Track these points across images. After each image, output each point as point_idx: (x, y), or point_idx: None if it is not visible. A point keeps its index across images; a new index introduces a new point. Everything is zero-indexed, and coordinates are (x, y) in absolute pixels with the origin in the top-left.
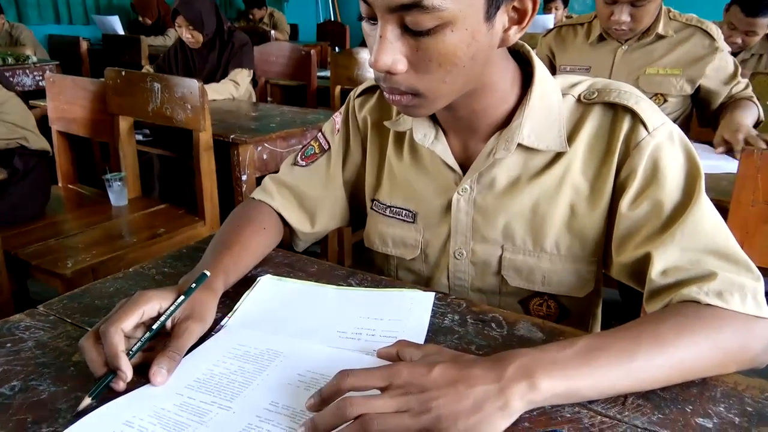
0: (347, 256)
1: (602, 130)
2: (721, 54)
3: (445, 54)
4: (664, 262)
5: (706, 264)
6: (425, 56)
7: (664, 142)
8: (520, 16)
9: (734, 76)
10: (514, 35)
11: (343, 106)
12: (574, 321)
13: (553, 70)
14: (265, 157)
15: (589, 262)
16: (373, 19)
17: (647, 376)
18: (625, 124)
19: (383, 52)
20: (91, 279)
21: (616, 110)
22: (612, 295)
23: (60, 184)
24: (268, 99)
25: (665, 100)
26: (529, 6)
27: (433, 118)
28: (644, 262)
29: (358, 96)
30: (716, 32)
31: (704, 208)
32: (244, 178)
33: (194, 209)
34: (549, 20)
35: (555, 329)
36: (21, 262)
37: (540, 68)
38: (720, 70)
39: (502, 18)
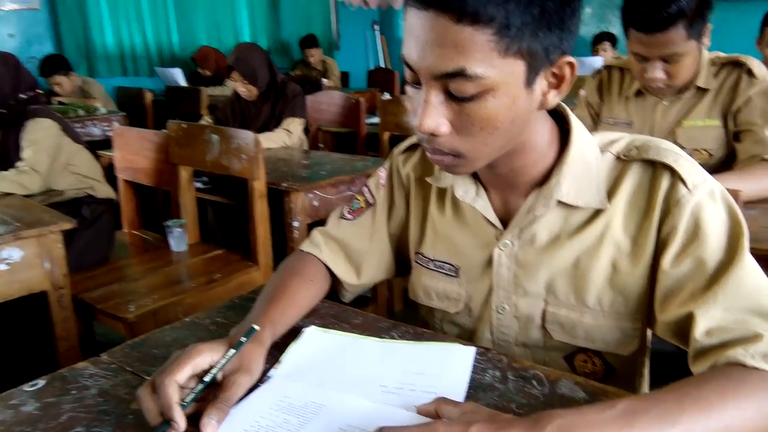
0: (397, 301)
1: (642, 187)
2: (757, 87)
3: (486, 118)
4: (708, 321)
5: (751, 325)
6: (467, 120)
7: (704, 199)
8: (558, 81)
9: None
10: (553, 99)
11: (387, 162)
12: (621, 379)
13: (597, 118)
14: (316, 203)
15: (634, 319)
16: (417, 83)
17: None
18: (665, 182)
19: (428, 116)
20: (152, 322)
21: (656, 167)
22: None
23: (125, 230)
24: (320, 145)
25: (709, 155)
26: (568, 72)
27: (474, 175)
28: (688, 321)
29: (402, 153)
30: (758, 67)
31: (748, 266)
32: (296, 224)
33: (249, 254)
34: (597, 62)
35: (598, 389)
36: (87, 305)
37: (577, 126)
38: (753, 105)
39: (541, 83)
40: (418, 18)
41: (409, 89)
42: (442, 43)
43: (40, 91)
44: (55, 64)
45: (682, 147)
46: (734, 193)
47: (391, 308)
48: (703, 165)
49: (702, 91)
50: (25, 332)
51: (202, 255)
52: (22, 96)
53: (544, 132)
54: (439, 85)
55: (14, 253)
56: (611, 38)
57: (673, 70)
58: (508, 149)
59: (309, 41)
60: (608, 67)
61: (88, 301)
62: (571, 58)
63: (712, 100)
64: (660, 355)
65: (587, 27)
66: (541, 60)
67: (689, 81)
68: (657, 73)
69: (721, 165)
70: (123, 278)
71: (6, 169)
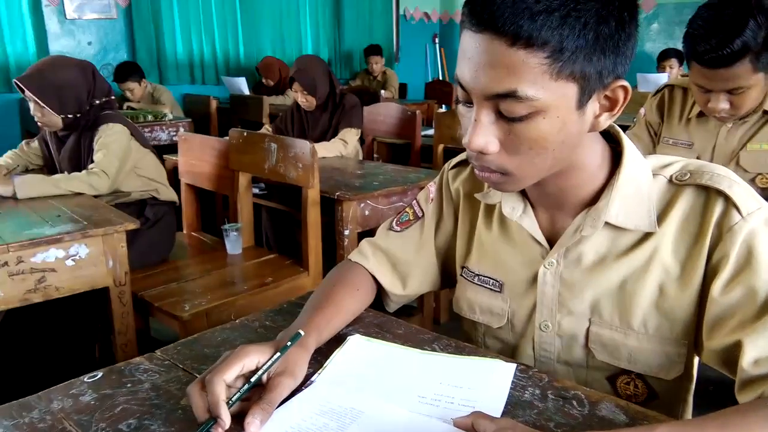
0: (443, 312)
1: (694, 212)
2: None
3: (536, 139)
4: (757, 351)
5: None
6: (517, 140)
7: (759, 227)
8: (611, 104)
9: None
10: (605, 121)
11: (438, 177)
12: (663, 404)
13: (656, 137)
14: (367, 213)
15: (679, 345)
16: (469, 102)
17: None
18: (718, 208)
19: (477, 135)
20: (205, 322)
21: (709, 193)
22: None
23: (185, 232)
24: (375, 156)
25: None
26: (621, 96)
27: (523, 193)
28: (735, 349)
29: (452, 168)
30: None
31: None
32: (346, 233)
33: (300, 260)
34: (662, 79)
35: (639, 413)
36: (145, 302)
37: (629, 148)
38: None
39: (593, 106)
40: (473, 40)
41: (461, 107)
42: (495, 64)
43: (114, 98)
44: (129, 70)
45: (745, 171)
46: None
47: (437, 319)
48: (767, 189)
49: None
50: (87, 325)
51: (255, 259)
52: (96, 101)
53: (595, 153)
54: (490, 104)
55: (81, 250)
56: (678, 55)
57: (737, 101)
58: (557, 169)
59: (373, 49)
60: (670, 86)
61: (147, 298)
62: (624, 82)
63: None
64: (706, 382)
65: (654, 43)
66: (594, 83)
67: (757, 106)
68: (721, 104)
69: None
70: (180, 278)
71: (79, 171)
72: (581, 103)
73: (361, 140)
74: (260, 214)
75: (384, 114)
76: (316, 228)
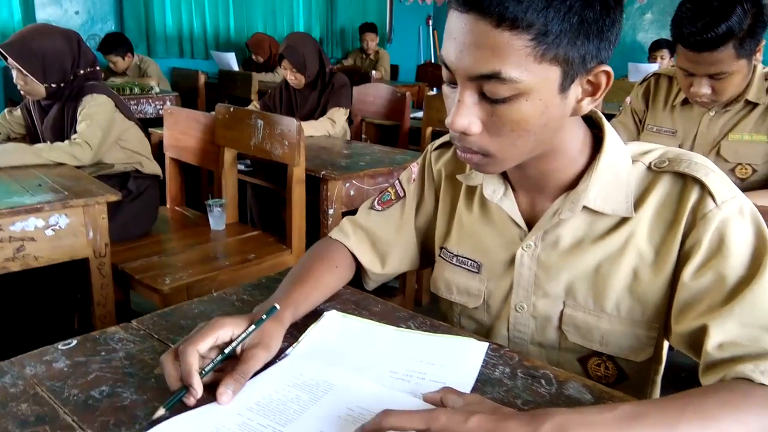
0: (425, 293)
1: (670, 199)
2: None
3: (518, 121)
4: (722, 335)
5: (763, 342)
6: (499, 122)
7: (732, 215)
8: (594, 89)
9: None
10: (587, 106)
11: (420, 157)
12: (632, 386)
13: (641, 125)
14: (352, 193)
15: (650, 328)
16: (453, 83)
17: None
18: (694, 195)
19: (460, 115)
20: (185, 296)
21: (686, 181)
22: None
23: (168, 206)
24: (363, 137)
25: (753, 170)
26: (603, 81)
27: (504, 175)
28: (701, 333)
29: (435, 149)
30: None
31: (767, 285)
32: (330, 212)
33: (283, 238)
34: (653, 69)
35: (605, 393)
36: (126, 275)
37: (610, 134)
38: None
39: (575, 90)
40: (459, 20)
41: (445, 88)
42: (480, 45)
43: (99, 68)
44: (114, 43)
45: (725, 161)
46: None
47: (419, 301)
48: (745, 180)
49: (751, 105)
50: (67, 296)
51: (238, 235)
52: (81, 71)
53: (576, 138)
54: (473, 85)
55: (61, 220)
56: (670, 46)
57: (719, 87)
58: (538, 152)
59: (368, 26)
60: (656, 75)
61: (128, 271)
62: (607, 68)
63: (761, 115)
64: (678, 368)
65: (646, 33)
66: (577, 67)
67: (738, 94)
68: (703, 89)
69: (766, 181)
70: (162, 252)
71: (61, 141)
72: (564, 87)
73: (350, 120)
74: (245, 191)
75: (373, 95)
76: (301, 206)
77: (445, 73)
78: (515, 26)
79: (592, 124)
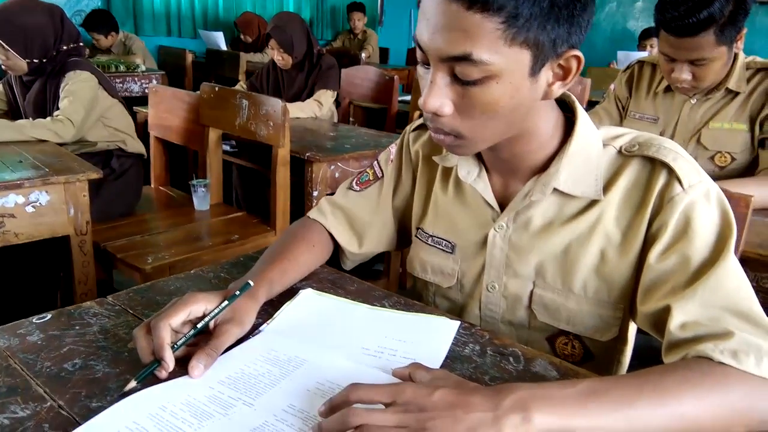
0: (409, 277)
1: (639, 182)
2: None
3: (488, 103)
4: (684, 315)
5: (724, 322)
6: (470, 103)
7: (698, 199)
8: (564, 73)
9: None
10: (558, 90)
11: (399, 138)
12: (598, 365)
13: (624, 111)
14: (337, 175)
15: (615, 308)
16: (427, 64)
17: (644, 425)
18: (661, 179)
19: (432, 96)
20: (168, 275)
21: (654, 165)
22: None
23: (152, 186)
24: (351, 120)
25: (732, 159)
26: (574, 66)
27: (479, 157)
28: (665, 313)
29: (413, 130)
30: None
31: (730, 267)
32: (315, 194)
33: (267, 219)
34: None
35: (570, 370)
36: (109, 254)
37: (582, 118)
38: None
39: (546, 74)
40: (432, 1)
41: (419, 69)
42: (452, 27)
43: (82, 44)
44: (97, 20)
45: (705, 148)
46: (746, 199)
47: (403, 283)
48: (724, 168)
49: (732, 93)
50: (49, 273)
51: (222, 216)
52: (64, 47)
53: (548, 121)
54: (445, 67)
55: (41, 197)
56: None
57: (700, 73)
58: (509, 135)
59: (356, 5)
60: (640, 62)
61: (110, 249)
62: (578, 52)
63: (742, 104)
64: (649, 349)
65: (637, 21)
66: (548, 52)
67: (720, 82)
68: (683, 75)
69: (746, 170)
70: (145, 231)
71: (44, 117)
72: (534, 71)
73: (338, 103)
74: (231, 172)
75: (362, 77)
76: (285, 188)
77: (419, 53)
78: (486, 8)
79: (566, 107)
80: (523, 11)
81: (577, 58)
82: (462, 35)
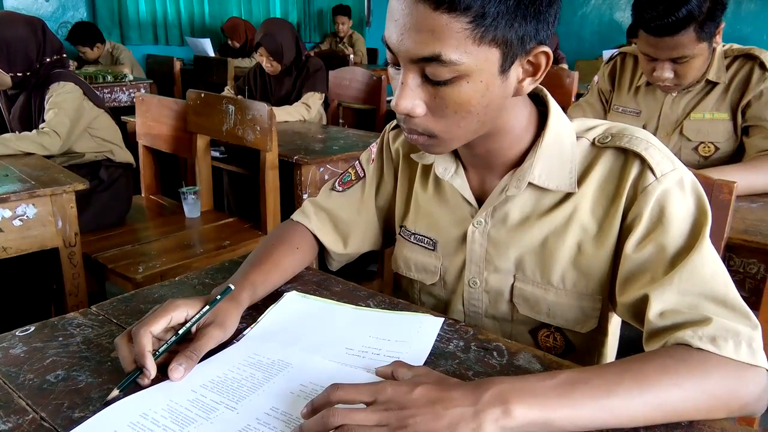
0: (395, 275)
1: (612, 173)
2: None
3: (460, 102)
4: (662, 304)
5: (702, 309)
6: (442, 103)
7: (672, 188)
8: (534, 70)
9: None
10: (528, 86)
11: (379, 138)
12: (580, 356)
13: (608, 105)
14: (326, 177)
15: (594, 300)
16: (397, 65)
17: (625, 414)
18: (634, 169)
19: (404, 98)
20: None
21: (627, 155)
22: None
23: (143, 195)
24: (340, 121)
25: (715, 148)
26: (543, 61)
27: (455, 154)
28: (644, 303)
29: (393, 129)
30: None
31: (706, 254)
32: (305, 196)
33: (259, 224)
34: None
35: (554, 362)
36: (100, 265)
37: (555, 112)
38: (764, 99)
39: (516, 71)
40: (399, 2)
41: (390, 70)
42: (420, 28)
43: (66, 55)
44: (82, 33)
45: (688, 139)
46: (729, 185)
47: (399, 284)
48: (709, 158)
49: (712, 84)
50: (42, 286)
51: (213, 222)
52: (47, 59)
53: (521, 116)
54: (416, 68)
55: (28, 210)
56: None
57: (681, 70)
58: (483, 132)
59: (341, 9)
60: (623, 54)
61: (101, 260)
62: (546, 48)
63: (722, 93)
64: (633, 341)
65: (624, 12)
66: (516, 49)
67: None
68: (665, 73)
69: (731, 158)
70: (136, 240)
71: (29, 130)
72: (504, 69)
73: (326, 105)
74: (222, 179)
75: (350, 78)
76: (275, 192)
77: (389, 55)
78: (453, 9)
79: (540, 101)
80: (490, 10)
81: (546, 54)
82: (430, 36)
